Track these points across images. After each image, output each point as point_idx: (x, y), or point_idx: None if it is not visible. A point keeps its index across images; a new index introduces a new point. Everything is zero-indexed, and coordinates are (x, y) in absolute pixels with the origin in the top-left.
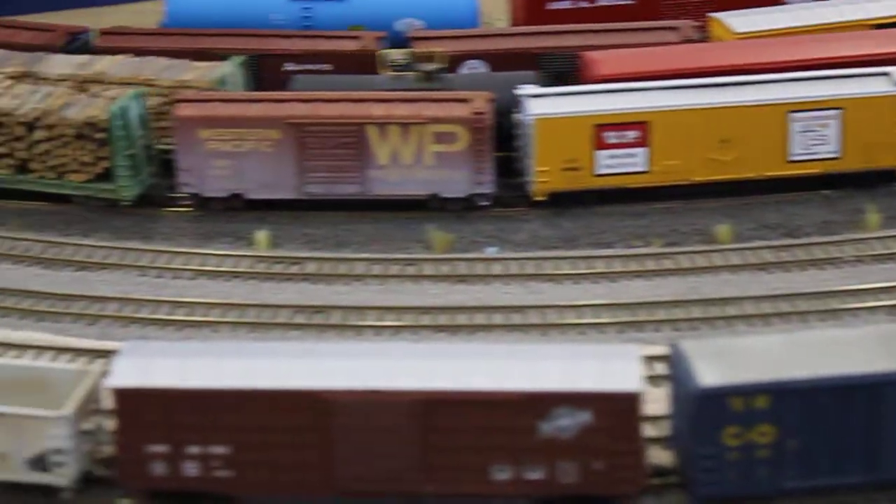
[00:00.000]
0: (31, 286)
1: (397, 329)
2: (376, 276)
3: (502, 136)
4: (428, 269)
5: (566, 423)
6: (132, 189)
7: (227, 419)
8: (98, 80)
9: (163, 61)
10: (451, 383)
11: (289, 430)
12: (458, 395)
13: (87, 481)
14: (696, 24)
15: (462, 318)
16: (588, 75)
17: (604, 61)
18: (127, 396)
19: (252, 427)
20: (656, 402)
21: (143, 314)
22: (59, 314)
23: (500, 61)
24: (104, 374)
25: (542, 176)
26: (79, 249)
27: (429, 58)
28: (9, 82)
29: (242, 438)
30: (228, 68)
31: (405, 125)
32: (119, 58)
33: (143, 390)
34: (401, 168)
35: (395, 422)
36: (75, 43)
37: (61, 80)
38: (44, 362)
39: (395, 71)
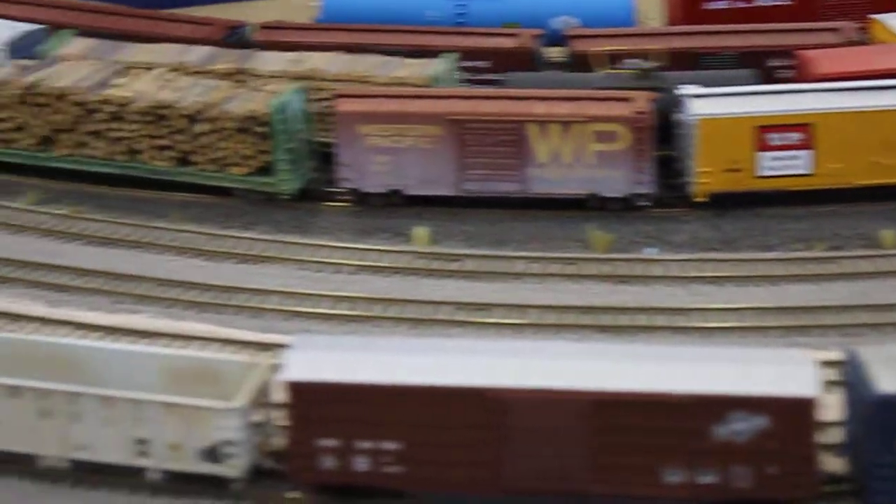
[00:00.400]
0: (193, 277)
1: (558, 328)
2: (536, 275)
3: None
4: (588, 269)
5: (741, 427)
6: (292, 183)
7: (399, 415)
8: (312, 77)
9: (375, 58)
10: (624, 384)
11: (460, 428)
12: (633, 396)
13: (257, 473)
14: (856, 25)
15: (624, 319)
16: (805, 74)
17: (822, 60)
18: (300, 390)
19: (423, 423)
20: (827, 408)
21: (305, 307)
22: (222, 306)
23: (660, 61)
24: (274, 366)
25: (704, 177)
26: (239, 242)
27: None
28: (171, 75)
29: (413, 434)
30: (442, 65)
31: (566, 123)
32: (331, 54)
33: (316, 384)
34: (560, 167)
35: (567, 422)
36: (233, 37)
37: (273, 76)
38: (213, 353)
39: (553, 67)
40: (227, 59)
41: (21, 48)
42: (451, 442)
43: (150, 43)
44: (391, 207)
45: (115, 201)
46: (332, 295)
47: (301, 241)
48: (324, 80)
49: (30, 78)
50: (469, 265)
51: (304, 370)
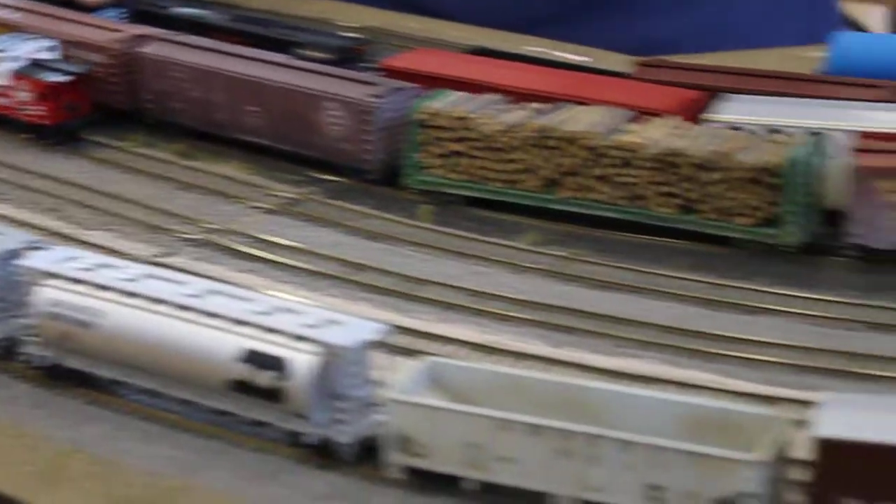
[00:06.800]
0: (692, 325)
1: None
2: None
3: None
4: None
5: None
6: (797, 236)
7: None
8: None
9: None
10: None
11: None
12: None
13: None
14: None
15: None
16: None
17: None
18: (829, 448)
19: None
20: None
21: (808, 362)
22: (720, 356)
23: None
24: (793, 421)
25: None
26: (738, 292)
27: None
28: (688, 125)
29: None
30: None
31: None
32: None
33: (847, 443)
34: None
35: None
36: None
37: None
38: (727, 404)
39: None
40: None
41: None
42: None
43: None
44: None
45: (613, 245)
46: (840, 351)
47: (803, 294)
48: None
49: (543, 121)
50: None
51: (835, 428)
